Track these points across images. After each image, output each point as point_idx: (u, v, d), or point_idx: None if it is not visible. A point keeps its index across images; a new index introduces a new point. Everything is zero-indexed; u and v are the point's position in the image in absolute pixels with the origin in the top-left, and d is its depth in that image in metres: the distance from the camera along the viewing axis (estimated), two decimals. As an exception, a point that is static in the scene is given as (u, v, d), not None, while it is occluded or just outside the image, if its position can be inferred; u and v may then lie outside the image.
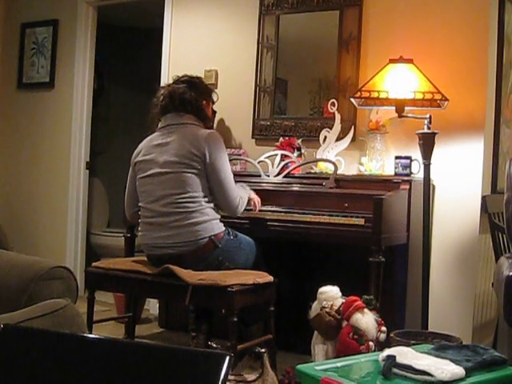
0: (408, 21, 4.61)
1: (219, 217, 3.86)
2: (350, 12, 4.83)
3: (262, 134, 5.16)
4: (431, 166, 4.01)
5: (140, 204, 3.92)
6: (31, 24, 6.63)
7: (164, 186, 3.78)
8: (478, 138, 4.38)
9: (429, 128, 3.92)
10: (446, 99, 3.90)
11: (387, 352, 2.72)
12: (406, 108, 3.98)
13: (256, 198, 4.12)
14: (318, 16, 5.02)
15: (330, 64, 4.92)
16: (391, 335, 3.56)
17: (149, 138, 4.00)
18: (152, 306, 5.55)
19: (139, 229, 3.95)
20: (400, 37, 4.58)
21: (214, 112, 5.09)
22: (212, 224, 3.77)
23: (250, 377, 3.40)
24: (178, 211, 3.72)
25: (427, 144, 3.94)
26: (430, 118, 3.91)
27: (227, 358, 1.22)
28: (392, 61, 3.99)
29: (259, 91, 5.21)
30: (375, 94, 3.88)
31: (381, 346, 3.31)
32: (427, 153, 3.95)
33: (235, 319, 3.46)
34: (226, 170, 3.86)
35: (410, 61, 3.98)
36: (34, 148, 6.57)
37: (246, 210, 4.03)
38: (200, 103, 4.01)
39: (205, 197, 3.79)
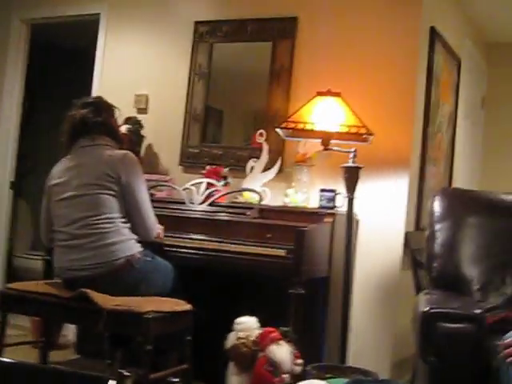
0: (339, 56, 4.65)
1: (136, 237, 3.78)
2: (282, 44, 4.86)
3: (190, 161, 5.13)
4: (356, 201, 4.03)
5: (54, 228, 3.83)
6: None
7: (79, 209, 3.71)
8: (403, 175, 4.42)
9: (354, 162, 3.93)
10: (372, 134, 3.92)
11: (300, 384, 2.69)
12: (333, 141, 3.99)
13: (161, 228, 4.07)
14: (251, 46, 5.03)
15: (261, 95, 4.92)
16: (308, 368, 3.52)
17: (62, 161, 3.93)
18: (71, 332, 5.42)
19: (54, 252, 3.86)
20: (330, 71, 4.62)
21: (142, 136, 5.07)
22: (128, 244, 3.71)
23: (163, 407, 3.33)
24: (94, 232, 3.65)
25: (351, 178, 3.95)
26: (355, 151, 3.92)
27: (109, 382, 1.17)
28: (320, 93, 4.01)
29: (189, 118, 5.18)
30: (301, 126, 3.89)
31: (296, 378, 3.27)
32: (351, 187, 3.97)
33: (149, 347, 3.38)
34: (142, 191, 3.82)
35: (337, 94, 4.00)
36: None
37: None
38: (111, 123, 3.97)
39: (121, 218, 3.73)
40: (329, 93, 3.99)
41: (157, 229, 3.93)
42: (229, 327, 3.56)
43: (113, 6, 5.69)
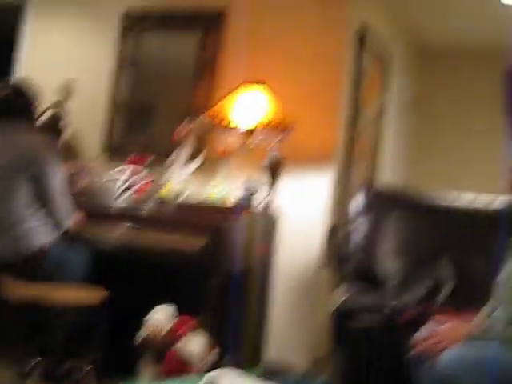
0: (268, 47, 4.63)
1: (49, 224, 3.67)
2: (211, 33, 4.82)
3: (114, 150, 5.06)
4: (278, 196, 3.98)
5: None
6: None
7: None
8: (327, 170, 4.43)
9: (275, 156, 3.89)
10: (295, 123, 3.87)
11: (210, 374, 2.64)
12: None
13: (79, 217, 3.98)
14: (180, 36, 4.99)
15: (188, 86, 4.87)
16: (223, 360, 3.47)
17: None
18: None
19: None
20: (257, 65, 4.55)
21: (64, 124, 4.96)
22: (41, 231, 3.61)
23: (71, 397, 3.24)
24: (4, 218, 3.54)
25: (272, 172, 3.92)
26: (278, 145, 3.88)
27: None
28: (244, 83, 3.95)
29: (114, 107, 5.11)
30: (221, 120, 3.87)
31: (210, 368, 3.21)
32: (271, 181, 3.93)
33: (60, 337, 3.29)
34: (55, 178, 3.69)
35: (262, 82, 3.94)
36: None
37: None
38: (30, 107, 3.85)
39: (33, 204, 3.62)
40: (253, 82, 3.94)
41: (71, 217, 3.83)
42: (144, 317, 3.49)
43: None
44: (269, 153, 3.92)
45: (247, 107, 3.86)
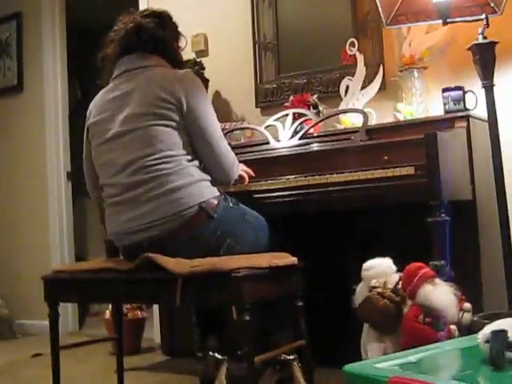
0: None
1: (209, 178, 2.78)
2: None
3: (268, 100, 4.21)
4: (496, 97, 2.96)
5: (101, 181, 2.87)
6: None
7: (128, 150, 2.71)
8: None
9: (484, 37, 2.89)
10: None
11: (491, 328, 1.68)
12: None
13: (245, 169, 3.11)
14: None
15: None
16: (474, 319, 2.47)
17: (102, 91, 2.93)
18: (155, 333, 4.50)
19: (105, 214, 2.87)
20: None
21: (206, 80, 4.16)
22: (200, 187, 2.69)
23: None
24: (151, 177, 2.65)
25: (484, 59, 2.90)
26: (487, 19, 2.87)
27: None
28: None
29: (259, 49, 4.26)
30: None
31: (466, 330, 2.24)
32: (487, 71, 2.91)
33: (248, 317, 2.36)
34: (210, 117, 2.81)
35: None
36: (4, 162, 5.61)
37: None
38: (173, 44, 2.99)
39: (186, 155, 2.73)
40: None
41: (238, 168, 2.94)
42: (349, 283, 2.59)
43: None
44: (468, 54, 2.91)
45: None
